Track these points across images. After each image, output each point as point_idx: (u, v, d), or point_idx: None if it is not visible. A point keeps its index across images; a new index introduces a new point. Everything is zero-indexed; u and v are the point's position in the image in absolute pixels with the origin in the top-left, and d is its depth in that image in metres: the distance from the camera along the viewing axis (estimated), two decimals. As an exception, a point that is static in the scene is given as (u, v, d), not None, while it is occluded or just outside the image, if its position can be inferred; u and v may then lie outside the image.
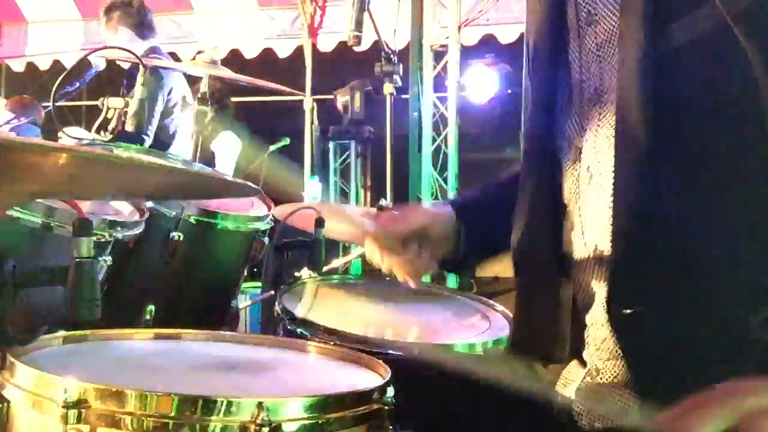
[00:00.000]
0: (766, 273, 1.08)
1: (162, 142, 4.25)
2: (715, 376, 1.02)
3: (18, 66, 7.74)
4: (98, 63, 4.01)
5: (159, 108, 4.17)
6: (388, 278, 1.66)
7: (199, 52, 3.62)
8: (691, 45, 1.06)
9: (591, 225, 1.22)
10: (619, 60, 1.13)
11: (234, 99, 5.63)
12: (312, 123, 7.01)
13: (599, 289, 1.21)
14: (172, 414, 1.06)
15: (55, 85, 2.72)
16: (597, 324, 1.22)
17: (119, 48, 4.13)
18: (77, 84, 3.73)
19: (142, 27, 4.33)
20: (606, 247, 1.19)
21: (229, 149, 5.23)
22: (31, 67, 7.61)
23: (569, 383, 1.28)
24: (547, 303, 1.31)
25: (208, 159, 4.76)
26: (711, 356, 1.10)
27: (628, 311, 1.13)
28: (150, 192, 1.46)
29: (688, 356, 1.11)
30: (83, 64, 4.17)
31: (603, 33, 1.18)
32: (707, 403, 0.89)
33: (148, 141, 4.05)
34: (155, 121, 4.14)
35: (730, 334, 1.09)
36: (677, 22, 1.06)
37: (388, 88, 3.64)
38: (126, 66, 4.23)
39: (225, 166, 5.09)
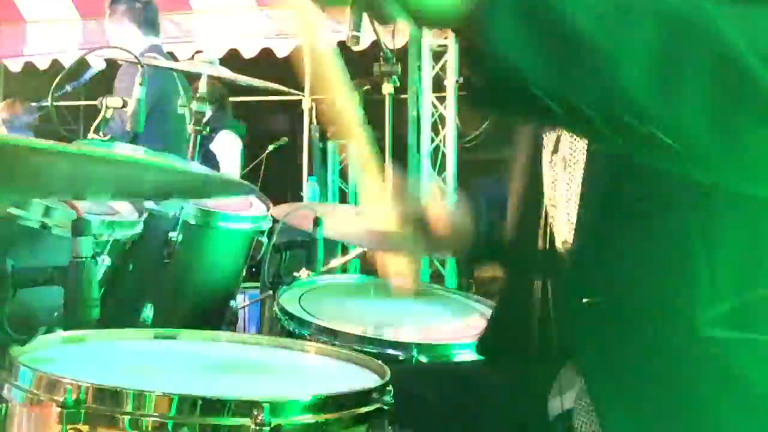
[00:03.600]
0: (716, 271, 1.10)
1: (158, 143, 4.24)
2: (665, 371, 1.05)
3: (16, 66, 7.73)
4: (97, 64, 4.01)
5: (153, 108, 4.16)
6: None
7: (197, 52, 3.61)
8: None
9: (561, 214, 1.23)
10: None
11: (232, 99, 5.62)
12: (311, 123, 7.00)
13: (558, 280, 1.23)
14: (171, 414, 1.06)
15: (53, 86, 2.72)
16: (553, 316, 1.24)
17: (118, 47, 4.13)
18: (74, 84, 3.72)
19: (147, 24, 4.32)
20: (570, 237, 1.20)
21: (230, 149, 5.22)
22: (29, 66, 7.60)
23: (564, 390, 1.28)
24: (521, 298, 1.32)
25: (209, 159, 4.75)
26: (661, 351, 1.12)
27: (586, 301, 1.15)
28: (148, 192, 1.46)
29: (638, 350, 1.13)
30: (82, 64, 4.17)
31: None
32: None
33: (147, 141, 4.04)
34: (153, 121, 4.13)
35: (680, 329, 1.11)
36: None
37: (386, 88, 3.64)
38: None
39: (229, 167, 5.07)
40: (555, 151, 1.26)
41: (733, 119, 0.89)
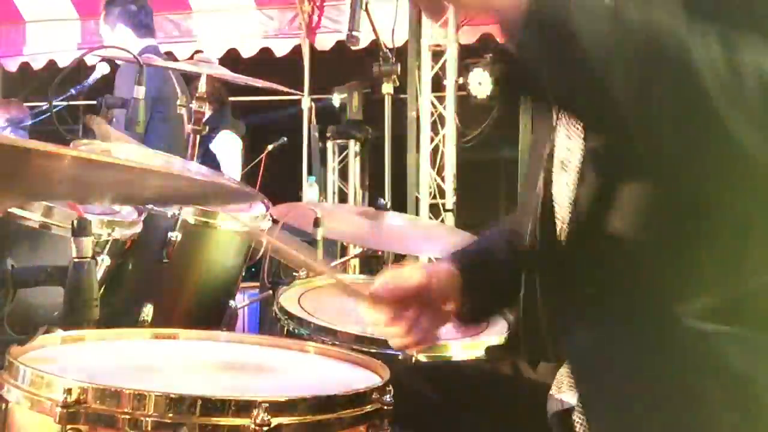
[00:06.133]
0: (704, 265, 1.13)
1: (157, 143, 4.24)
2: (653, 364, 1.06)
3: (12, 65, 7.72)
4: (102, 68, 4.01)
5: (152, 108, 4.16)
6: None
7: (196, 52, 3.60)
8: None
9: (558, 213, 1.25)
10: None
11: (232, 98, 5.62)
12: (310, 123, 7.00)
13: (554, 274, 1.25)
14: (171, 414, 1.06)
15: (52, 85, 2.72)
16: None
17: (117, 47, 4.12)
18: (79, 87, 3.71)
19: (141, 26, 4.32)
20: (563, 235, 1.21)
21: (230, 149, 5.22)
22: (25, 66, 7.59)
23: (564, 389, 1.28)
24: (534, 299, 1.32)
25: (209, 159, 4.75)
26: (649, 344, 1.13)
27: (575, 294, 1.17)
28: (149, 198, 1.46)
29: (627, 344, 1.15)
30: (80, 64, 4.16)
31: None
32: None
33: (147, 141, 4.04)
34: (152, 122, 4.13)
35: (668, 323, 1.13)
36: None
37: (386, 88, 3.64)
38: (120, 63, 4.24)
39: (229, 167, 5.07)
40: (551, 153, 1.28)
41: (695, 139, 1.01)
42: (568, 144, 1.23)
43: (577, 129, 1.22)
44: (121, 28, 4.28)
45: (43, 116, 4.48)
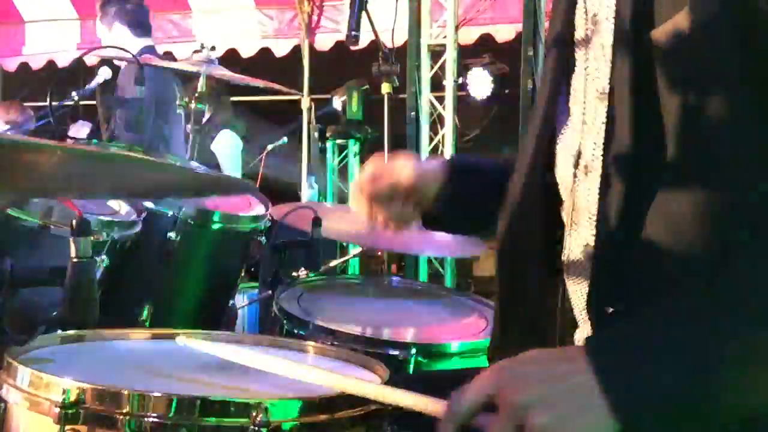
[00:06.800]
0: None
1: (157, 143, 4.24)
2: None
3: (12, 65, 7.72)
4: (104, 73, 4.01)
5: (152, 108, 4.16)
6: (385, 277, 1.65)
7: (196, 52, 3.60)
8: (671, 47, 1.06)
9: (580, 219, 1.22)
10: (615, 60, 1.14)
11: (231, 98, 5.61)
12: (309, 122, 7.00)
13: (581, 287, 1.21)
14: (170, 415, 1.06)
15: (51, 89, 2.72)
16: (580, 324, 1.22)
17: (116, 47, 4.12)
18: (81, 92, 3.71)
19: (138, 26, 4.32)
20: (590, 243, 1.18)
21: (230, 149, 5.21)
22: (24, 66, 7.59)
23: None
24: (532, 300, 1.30)
25: (209, 160, 4.74)
26: None
27: (611, 310, 1.13)
28: (146, 190, 1.46)
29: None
30: (80, 64, 4.16)
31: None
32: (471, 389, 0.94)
33: (146, 140, 4.04)
34: (152, 121, 4.13)
35: None
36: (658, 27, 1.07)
37: (385, 88, 3.63)
38: (120, 64, 4.23)
39: (229, 167, 5.06)
40: (578, 159, 1.23)
41: None
42: (594, 149, 1.19)
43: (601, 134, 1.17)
44: (119, 28, 4.27)
45: (43, 121, 4.49)
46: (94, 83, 3.67)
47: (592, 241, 1.17)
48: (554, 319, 1.26)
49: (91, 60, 5.19)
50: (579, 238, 1.21)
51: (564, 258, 1.24)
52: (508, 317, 1.35)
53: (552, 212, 1.28)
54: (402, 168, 1.47)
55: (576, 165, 1.21)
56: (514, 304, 1.33)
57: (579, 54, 1.22)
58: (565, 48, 1.25)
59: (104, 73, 3.83)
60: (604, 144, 1.15)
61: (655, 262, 1.09)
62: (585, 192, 1.19)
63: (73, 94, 3.51)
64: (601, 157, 1.15)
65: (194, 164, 2.81)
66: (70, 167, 0.97)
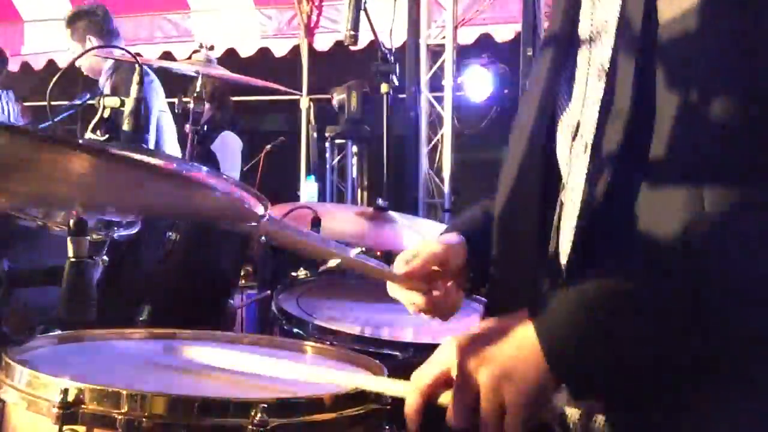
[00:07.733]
0: None
1: (156, 143, 4.25)
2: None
3: (13, 65, 7.72)
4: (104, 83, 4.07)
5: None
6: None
7: (195, 51, 3.60)
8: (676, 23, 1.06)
9: (570, 201, 1.21)
10: (618, 37, 1.14)
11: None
12: (308, 122, 6.99)
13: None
14: (169, 415, 1.06)
15: (50, 86, 2.71)
16: None
17: (115, 47, 4.12)
18: (82, 98, 3.71)
19: (109, 33, 4.39)
20: (576, 223, 1.18)
21: (230, 149, 5.20)
22: (25, 66, 7.59)
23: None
24: (527, 281, 1.30)
25: (209, 159, 4.74)
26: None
27: None
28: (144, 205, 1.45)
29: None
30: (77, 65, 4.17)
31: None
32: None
33: (150, 141, 4.06)
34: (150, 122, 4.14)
35: None
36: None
37: (384, 88, 3.63)
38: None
39: (229, 167, 5.06)
40: (575, 134, 1.23)
41: None
42: (591, 127, 1.21)
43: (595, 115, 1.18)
44: (92, 40, 4.34)
45: (43, 125, 4.48)
46: (97, 92, 3.69)
47: (575, 221, 1.18)
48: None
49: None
50: (569, 219, 1.21)
51: (559, 238, 1.25)
52: (501, 299, 1.35)
53: (552, 191, 1.28)
54: (429, 251, 1.43)
55: (573, 138, 1.22)
56: (510, 287, 1.33)
57: (582, 28, 1.22)
58: (569, 27, 1.25)
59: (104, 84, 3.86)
60: (598, 121, 1.15)
61: (632, 244, 1.10)
62: (579, 170, 1.20)
63: (76, 100, 3.52)
64: (593, 132, 1.15)
65: (193, 165, 2.80)
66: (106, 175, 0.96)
